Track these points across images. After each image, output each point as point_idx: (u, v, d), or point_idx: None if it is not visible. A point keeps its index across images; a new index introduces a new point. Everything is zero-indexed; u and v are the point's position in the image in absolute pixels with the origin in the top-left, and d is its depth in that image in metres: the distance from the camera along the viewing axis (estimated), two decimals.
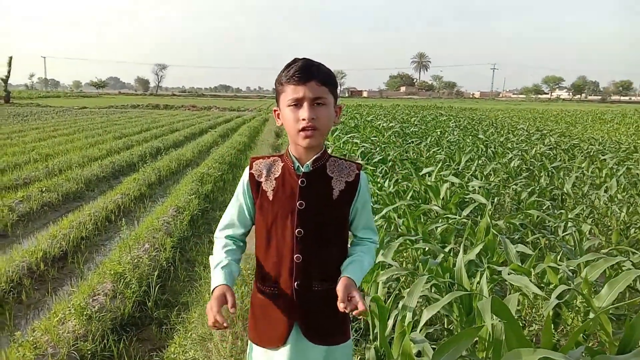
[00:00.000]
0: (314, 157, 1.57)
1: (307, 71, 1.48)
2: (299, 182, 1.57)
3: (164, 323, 3.72)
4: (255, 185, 1.62)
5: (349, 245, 1.70)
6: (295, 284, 1.58)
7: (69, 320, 3.39)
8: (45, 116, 26.30)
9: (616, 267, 3.20)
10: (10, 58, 44.06)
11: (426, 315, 1.97)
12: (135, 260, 4.42)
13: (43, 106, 39.13)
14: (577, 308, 2.55)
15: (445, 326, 2.94)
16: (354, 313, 1.43)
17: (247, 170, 1.66)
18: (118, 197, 7.19)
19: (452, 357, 1.48)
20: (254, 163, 1.65)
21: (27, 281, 4.35)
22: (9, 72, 43.59)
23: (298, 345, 1.59)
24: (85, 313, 3.44)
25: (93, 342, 3.23)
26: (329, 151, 7.78)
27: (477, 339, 2.23)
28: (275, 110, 1.61)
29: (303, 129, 1.48)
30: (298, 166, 1.59)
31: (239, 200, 1.67)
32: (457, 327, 2.55)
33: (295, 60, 1.52)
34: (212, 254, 1.67)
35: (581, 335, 2.39)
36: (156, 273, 4.36)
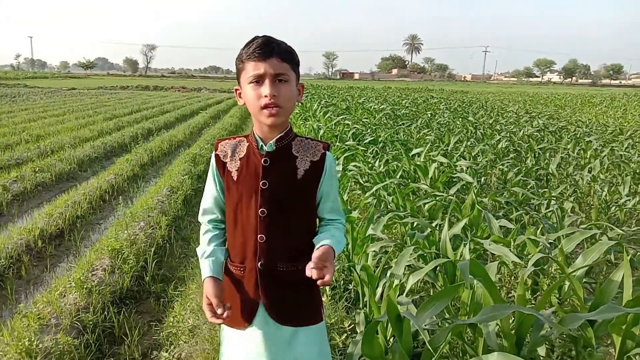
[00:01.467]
0: (278, 136, 1.55)
1: (267, 47, 1.46)
2: (262, 161, 1.55)
3: (162, 296, 3.85)
4: (221, 166, 1.61)
5: (317, 228, 1.67)
6: (259, 264, 1.57)
7: (70, 294, 3.51)
8: (33, 97, 26.04)
9: (594, 241, 3.37)
10: None
11: (412, 280, 2.11)
12: (132, 237, 4.53)
13: (31, 87, 38.68)
14: (552, 275, 2.72)
15: (431, 294, 3.10)
16: (318, 282, 1.39)
17: (213, 153, 1.66)
18: (111, 178, 7.26)
19: (434, 312, 1.62)
20: (219, 144, 1.65)
21: (25, 258, 4.45)
22: None
23: (265, 327, 1.59)
24: (85, 286, 3.56)
25: (94, 313, 3.35)
26: (320, 132, 7.75)
27: (460, 305, 2.39)
28: (236, 89, 1.59)
29: (265, 106, 1.46)
30: (261, 145, 1.57)
31: (210, 183, 1.67)
32: None
33: (255, 38, 1.50)
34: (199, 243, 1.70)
35: (556, 301, 2.56)
36: (152, 249, 4.48)
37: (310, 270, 1.38)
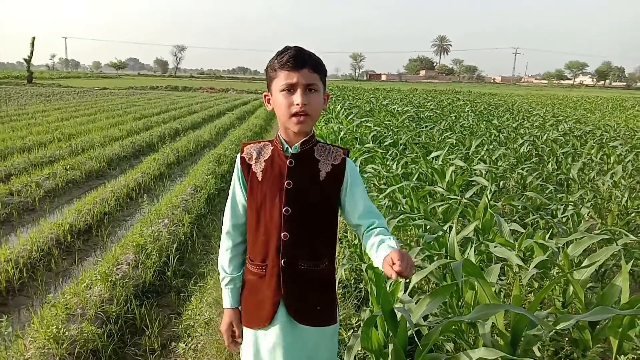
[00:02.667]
0: (303, 140, 1.63)
1: (300, 58, 1.53)
2: (287, 162, 1.63)
3: (182, 291, 4.02)
4: (246, 167, 1.67)
5: (361, 235, 1.69)
6: (282, 261, 1.62)
7: (95, 286, 3.70)
8: (67, 96, 26.84)
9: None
10: (33, 39, 44.66)
11: (415, 279, 2.20)
12: (156, 234, 4.72)
13: (64, 86, 39.84)
14: (553, 277, 2.76)
15: None
16: (395, 275, 1.38)
17: (238, 155, 1.72)
18: (138, 176, 7.51)
19: (430, 309, 1.70)
20: (244, 147, 1.71)
21: (55, 251, 4.68)
22: (31, 52, 44.26)
23: (285, 326, 1.63)
24: (110, 279, 3.74)
25: (117, 305, 3.53)
26: (341, 134, 7.88)
27: (464, 305, 2.46)
28: (265, 95, 1.66)
29: (296, 114, 1.54)
30: (287, 148, 1.64)
31: (235, 187, 1.72)
32: (449, 295, 2.79)
33: (287, 48, 1.58)
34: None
35: (560, 304, 2.61)
36: (175, 246, 4.66)
37: (398, 268, 1.35)
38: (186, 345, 3.10)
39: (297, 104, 1.52)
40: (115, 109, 18.86)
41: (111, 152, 9.39)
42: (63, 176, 7.30)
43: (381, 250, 1.52)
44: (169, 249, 4.57)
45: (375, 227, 1.64)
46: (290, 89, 1.54)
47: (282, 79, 1.54)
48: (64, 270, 4.48)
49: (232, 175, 1.75)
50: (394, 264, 1.36)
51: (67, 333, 2.99)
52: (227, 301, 1.73)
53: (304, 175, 1.63)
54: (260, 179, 1.64)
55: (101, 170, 8.47)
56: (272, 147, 1.68)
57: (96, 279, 3.77)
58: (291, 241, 1.61)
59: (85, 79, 63.49)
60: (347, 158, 1.69)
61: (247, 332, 1.71)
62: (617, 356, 2.03)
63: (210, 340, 3.05)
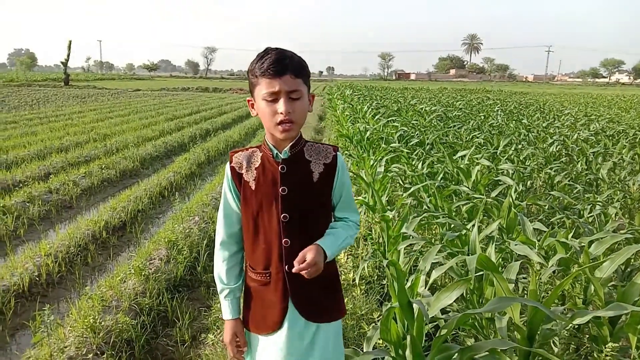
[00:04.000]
0: (291, 144, 1.60)
1: (281, 64, 1.48)
2: (279, 168, 1.60)
3: (212, 286, 4.15)
4: (237, 177, 1.64)
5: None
6: (286, 267, 1.61)
7: (129, 279, 3.88)
8: (101, 98, 27.60)
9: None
10: (70, 42, 46.02)
11: (434, 274, 2.27)
12: (187, 231, 4.88)
13: (99, 88, 40.91)
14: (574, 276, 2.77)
15: None
16: (294, 269, 1.51)
17: (227, 165, 1.68)
18: (170, 175, 7.74)
19: (446, 302, 1.77)
20: (233, 156, 1.68)
21: (92, 247, 4.90)
22: (68, 55, 45.54)
23: (294, 327, 1.63)
24: (143, 274, 3.92)
25: (150, 298, 3.69)
26: (367, 134, 7.90)
27: (483, 300, 2.52)
28: (249, 100, 1.62)
29: (281, 122, 1.50)
30: (277, 153, 1.61)
31: (226, 197, 1.69)
32: (469, 291, 2.84)
33: (267, 52, 1.52)
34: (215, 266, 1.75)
35: (581, 302, 2.64)
36: (205, 242, 4.81)
37: (296, 269, 1.50)
38: (215, 336, 3.23)
39: (281, 113, 1.49)
40: (148, 110, 19.32)
41: (144, 152, 9.67)
42: (98, 175, 7.58)
43: (322, 239, 1.60)
44: (199, 245, 4.73)
45: (342, 221, 1.71)
46: (273, 97, 1.49)
47: (264, 87, 1.49)
48: (100, 265, 4.68)
49: None
50: (302, 261, 1.49)
51: (103, 323, 3.16)
52: (227, 313, 1.71)
53: (297, 179, 1.61)
54: (253, 187, 1.62)
55: (135, 170, 8.75)
56: (261, 154, 1.65)
57: (130, 273, 3.95)
58: (293, 247, 1.59)
59: (119, 81, 65.14)
60: (337, 154, 1.68)
61: (255, 338, 1.71)
62: (636, 353, 2.05)
63: None
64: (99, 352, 2.95)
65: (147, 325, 3.41)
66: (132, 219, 5.82)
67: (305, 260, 1.50)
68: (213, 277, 4.33)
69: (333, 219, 1.74)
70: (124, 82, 60.03)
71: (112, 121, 14.78)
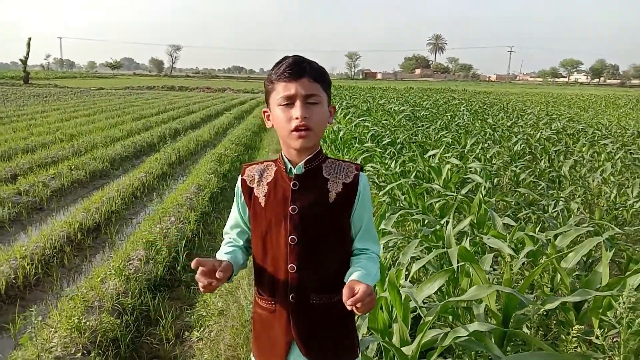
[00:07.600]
0: (307, 158, 1.45)
1: (298, 67, 1.39)
2: (291, 184, 1.46)
3: (192, 285, 4.21)
4: (247, 191, 1.52)
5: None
6: (291, 296, 1.46)
7: (110, 280, 3.89)
8: (64, 97, 26.95)
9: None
10: (29, 39, 44.74)
11: (414, 267, 2.41)
12: (164, 231, 4.91)
13: (61, 87, 39.91)
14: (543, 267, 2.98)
15: None
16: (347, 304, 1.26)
17: (239, 178, 1.57)
18: (142, 175, 7.70)
19: (430, 292, 1.91)
20: (246, 169, 1.56)
21: (67, 248, 4.87)
22: (27, 53, 44.26)
23: None
24: (124, 274, 3.94)
25: (132, 297, 3.72)
26: (340, 134, 8.00)
27: (460, 291, 2.68)
28: (265, 112, 1.51)
29: (296, 129, 1.38)
30: (290, 168, 1.47)
31: (235, 211, 1.59)
32: (446, 283, 3.00)
33: (285, 58, 1.44)
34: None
35: (548, 290, 2.83)
36: (183, 242, 4.85)
37: (350, 304, 1.25)
38: (200, 333, 3.30)
39: (297, 118, 1.37)
40: (114, 109, 19.01)
41: (113, 152, 9.56)
42: (68, 176, 7.47)
43: (356, 273, 1.39)
44: (178, 245, 4.77)
45: (366, 254, 1.49)
46: (289, 101, 1.39)
47: (280, 91, 1.39)
48: (76, 266, 4.66)
49: (233, 173, 1.70)
50: (354, 295, 1.25)
51: (88, 323, 3.18)
52: (220, 254, 1.51)
53: (309, 198, 1.45)
54: (263, 204, 1.48)
55: (105, 170, 8.65)
56: (275, 168, 1.51)
57: (110, 273, 3.96)
58: (299, 273, 1.44)
59: (81, 79, 63.59)
60: (360, 173, 1.50)
61: None
62: (599, 333, 2.24)
63: (226, 326, 3.26)
64: (85, 352, 2.99)
65: (131, 325, 3.45)
66: (106, 220, 5.79)
67: (355, 294, 1.25)
68: (192, 276, 4.41)
69: (354, 249, 1.54)
70: (86, 81, 58.66)
71: (77, 121, 14.50)
